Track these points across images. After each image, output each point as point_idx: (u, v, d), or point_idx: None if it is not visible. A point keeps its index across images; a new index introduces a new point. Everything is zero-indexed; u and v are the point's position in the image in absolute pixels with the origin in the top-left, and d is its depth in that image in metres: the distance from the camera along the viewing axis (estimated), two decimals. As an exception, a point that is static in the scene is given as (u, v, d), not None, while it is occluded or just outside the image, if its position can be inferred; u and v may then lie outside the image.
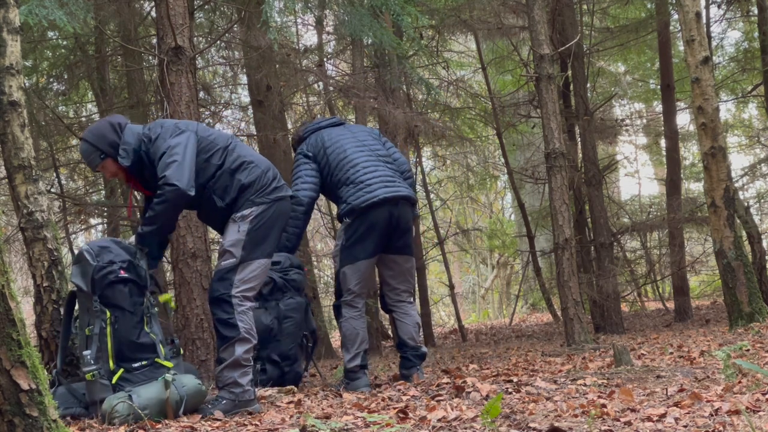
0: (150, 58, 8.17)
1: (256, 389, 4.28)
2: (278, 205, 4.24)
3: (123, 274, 3.92)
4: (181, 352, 4.18)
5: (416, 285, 6.50)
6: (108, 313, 3.86)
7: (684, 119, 14.63)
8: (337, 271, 4.88)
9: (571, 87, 9.13)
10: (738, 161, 23.06)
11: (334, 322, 12.99)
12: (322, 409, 3.87)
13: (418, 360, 4.94)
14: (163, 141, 4.07)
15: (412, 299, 5.09)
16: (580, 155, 9.16)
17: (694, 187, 14.57)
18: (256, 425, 3.50)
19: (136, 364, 3.89)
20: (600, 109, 10.48)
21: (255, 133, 8.61)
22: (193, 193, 4.02)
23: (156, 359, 3.94)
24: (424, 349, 5.00)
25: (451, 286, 10.82)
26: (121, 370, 3.85)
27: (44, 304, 4.23)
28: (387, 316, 10.73)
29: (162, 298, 4.19)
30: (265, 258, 4.18)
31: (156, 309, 4.06)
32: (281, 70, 8.32)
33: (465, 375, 5.04)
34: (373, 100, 7.61)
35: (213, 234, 7.47)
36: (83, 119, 9.77)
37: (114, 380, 3.83)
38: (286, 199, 4.32)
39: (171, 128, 4.15)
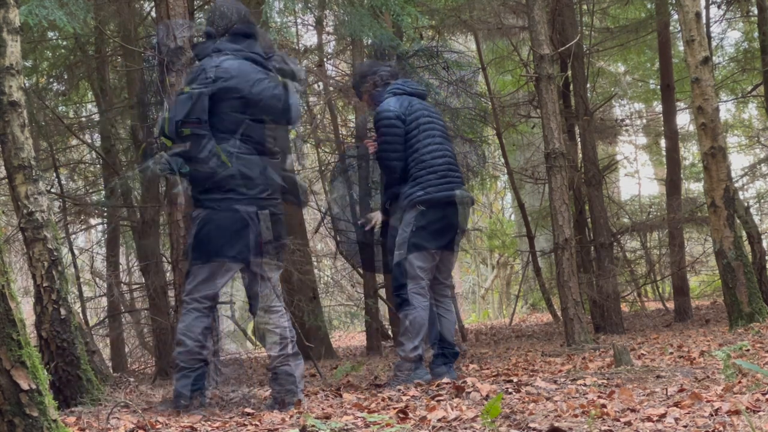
0: (150, 58, 8.16)
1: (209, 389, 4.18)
2: (230, 214, 3.95)
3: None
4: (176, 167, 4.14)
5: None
6: None
7: (684, 119, 14.61)
8: (402, 260, 4.82)
9: (571, 87, 9.12)
10: (738, 161, 23.04)
11: (335, 322, 13.09)
12: (322, 409, 3.87)
13: (454, 358, 4.98)
14: None
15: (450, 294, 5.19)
16: (580, 155, 9.15)
17: (694, 187, 14.58)
18: (256, 425, 3.50)
19: None
20: (600, 109, 10.48)
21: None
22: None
23: None
24: (457, 348, 5.05)
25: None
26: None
27: (44, 304, 4.22)
28: (388, 316, 10.74)
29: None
30: (223, 259, 3.93)
31: None
32: (281, 70, 8.30)
33: (465, 375, 5.04)
34: (373, 100, 7.60)
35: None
36: (83, 119, 9.77)
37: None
38: (238, 212, 3.95)
39: None
